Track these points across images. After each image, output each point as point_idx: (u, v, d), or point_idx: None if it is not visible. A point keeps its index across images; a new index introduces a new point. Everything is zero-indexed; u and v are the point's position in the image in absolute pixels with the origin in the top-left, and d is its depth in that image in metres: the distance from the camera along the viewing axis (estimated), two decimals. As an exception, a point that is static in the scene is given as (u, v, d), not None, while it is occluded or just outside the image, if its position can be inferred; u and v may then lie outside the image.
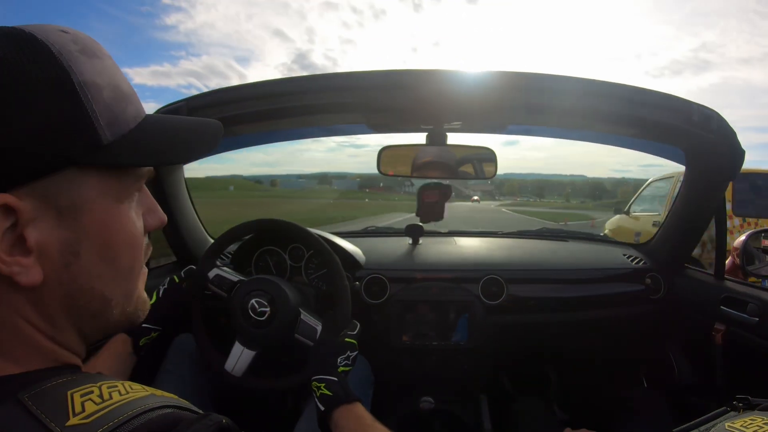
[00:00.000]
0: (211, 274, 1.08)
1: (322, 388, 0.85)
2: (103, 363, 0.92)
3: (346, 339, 0.96)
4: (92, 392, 0.34)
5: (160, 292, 1.06)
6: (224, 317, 1.10)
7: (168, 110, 1.07)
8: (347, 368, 0.92)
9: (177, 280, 1.08)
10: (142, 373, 1.04)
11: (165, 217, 0.48)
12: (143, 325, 1.00)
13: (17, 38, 0.35)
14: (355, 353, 0.95)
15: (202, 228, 1.47)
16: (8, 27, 0.36)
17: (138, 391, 0.36)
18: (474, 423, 1.48)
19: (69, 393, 0.33)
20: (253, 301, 0.99)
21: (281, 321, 0.99)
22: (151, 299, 1.03)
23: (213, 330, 1.09)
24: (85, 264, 0.38)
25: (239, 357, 1.01)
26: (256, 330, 0.99)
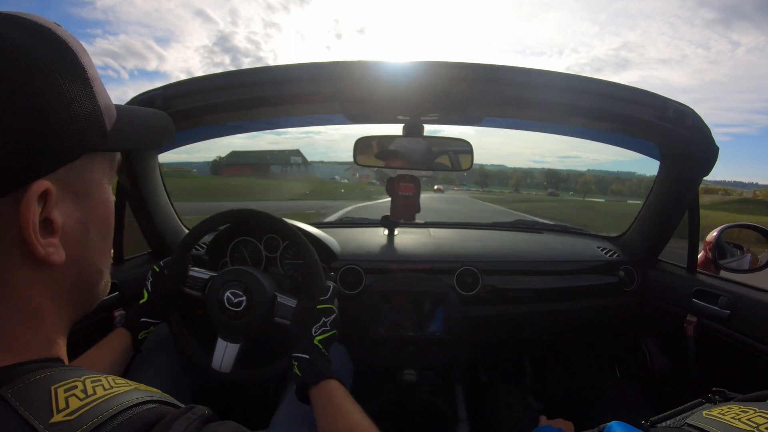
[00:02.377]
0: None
1: (295, 367, 0.87)
2: (103, 357, 0.92)
3: (318, 306, 0.95)
4: (76, 387, 0.34)
5: (149, 287, 1.05)
6: (204, 317, 1.09)
7: (144, 98, 1.05)
8: (326, 335, 0.92)
9: (158, 270, 1.07)
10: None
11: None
12: (142, 320, 1.00)
13: (41, 34, 0.37)
14: (332, 316, 0.95)
15: (177, 218, 1.45)
16: (24, 18, 0.38)
17: (122, 385, 0.37)
18: (450, 412, 1.50)
19: (53, 388, 0.33)
20: (227, 293, 0.98)
21: (259, 308, 0.98)
22: (142, 299, 1.04)
23: (196, 330, 1.08)
24: (92, 240, 0.43)
25: (224, 352, 1.00)
26: (236, 321, 0.98)
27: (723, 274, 1.40)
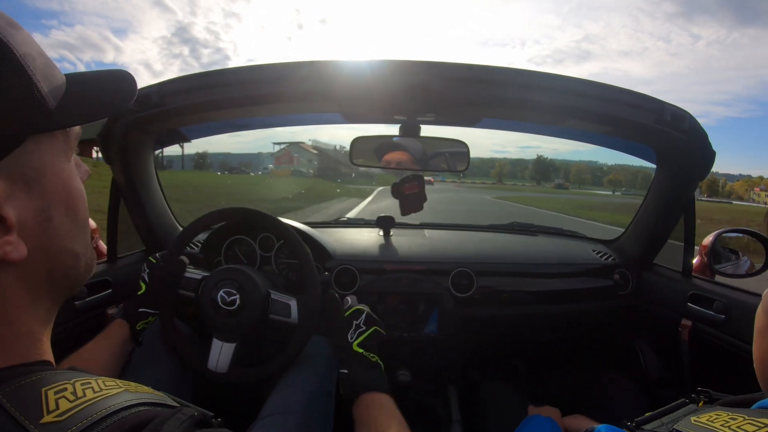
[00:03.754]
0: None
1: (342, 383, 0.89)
2: (102, 349, 0.92)
3: (346, 314, 0.96)
4: (66, 389, 0.34)
5: (146, 279, 1.06)
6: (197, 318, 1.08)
7: (140, 94, 1.04)
8: (364, 335, 0.94)
9: (154, 261, 1.08)
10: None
11: (88, 170, 0.49)
12: (140, 310, 1.01)
13: None
14: (363, 315, 0.96)
15: (171, 215, 1.44)
16: None
17: (111, 387, 0.36)
18: (444, 413, 1.49)
19: (43, 390, 0.33)
20: (221, 292, 0.97)
21: (253, 305, 0.98)
22: (140, 290, 1.05)
23: (192, 329, 1.08)
24: (57, 225, 0.40)
25: (220, 352, 0.99)
26: (230, 320, 0.97)
27: (718, 278, 1.40)
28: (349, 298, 1.01)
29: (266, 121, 1.35)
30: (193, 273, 1.06)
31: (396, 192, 1.44)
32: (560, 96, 1.04)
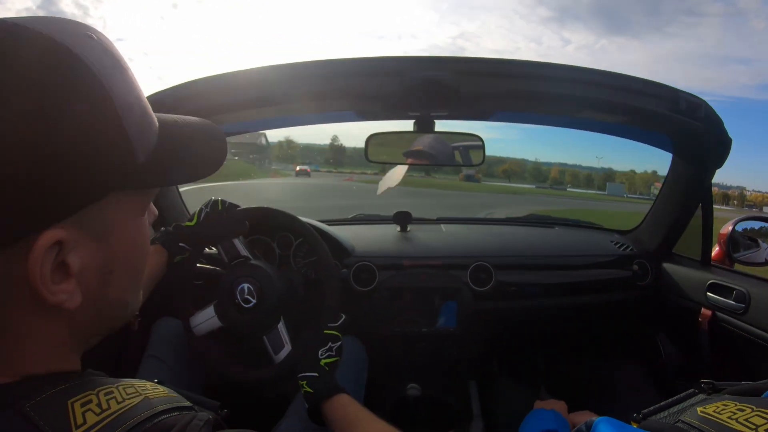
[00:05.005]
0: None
1: (305, 386, 0.87)
2: None
3: (326, 332, 0.96)
4: (91, 401, 0.34)
5: (201, 215, 1.07)
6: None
7: (154, 99, 1.06)
8: (331, 359, 0.92)
9: (220, 207, 1.09)
10: (131, 356, 1.06)
11: (156, 211, 0.48)
12: (180, 244, 1.03)
13: (54, 54, 0.32)
14: (338, 343, 0.96)
15: (184, 208, 1.46)
16: (38, 33, 0.32)
17: (132, 396, 0.37)
18: (463, 408, 1.49)
19: (69, 403, 0.34)
20: (244, 285, 1.00)
21: (260, 319, 1.01)
22: (192, 221, 1.07)
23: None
24: (116, 279, 0.39)
25: (206, 320, 1.03)
26: (237, 314, 1.01)
27: (738, 267, 1.39)
28: (342, 315, 1.02)
29: (280, 120, 1.36)
30: (242, 246, 1.09)
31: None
32: (575, 87, 1.04)
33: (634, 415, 0.54)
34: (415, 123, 1.23)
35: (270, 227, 1.31)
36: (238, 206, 1.12)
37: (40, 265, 0.32)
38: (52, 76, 0.31)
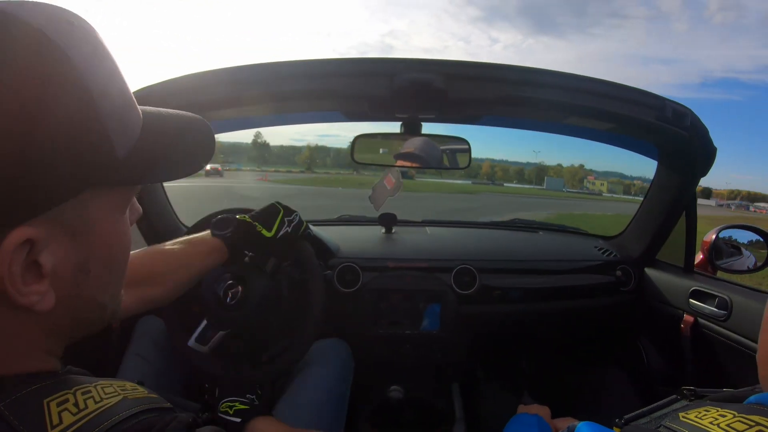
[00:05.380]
0: None
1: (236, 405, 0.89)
2: (192, 266, 0.89)
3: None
4: (68, 401, 0.33)
5: (281, 231, 1.01)
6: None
7: (140, 95, 1.04)
8: (242, 407, 0.92)
9: (302, 230, 1.05)
10: (111, 355, 1.05)
11: (141, 209, 0.46)
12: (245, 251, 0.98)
13: (32, 40, 0.30)
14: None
15: (174, 215, 1.45)
16: (13, 16, 0.30)
17: (111, 395, 0.36)
18: (446, 410, 1.50)
19: (45, 402, 0.33)
20: (228, 282, 0.97)
21: (248, 315, 0.98)
22: (269, 230, 0.99)
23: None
24: (92, 278, 0.38)
25: (205, 334, 0.99)
26: (225, 312, 0.98)
27: (720, 275, 1.40)
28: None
29: (265, 119, 1.35)
30: None
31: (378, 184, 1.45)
32: (561, 92, 1.04)
33: (616, 420, 0.54)
34: (402, 125, 1.23)
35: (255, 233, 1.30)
36: (311, 231, 1.10)
37: (8, 264, 0.31)
38: (27, 64, 0.30)
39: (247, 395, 0.96)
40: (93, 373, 0.43)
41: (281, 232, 1.00)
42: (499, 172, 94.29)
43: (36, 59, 0.30)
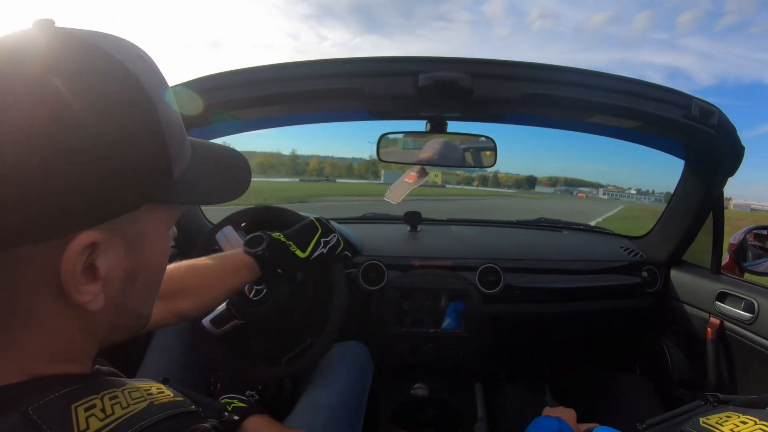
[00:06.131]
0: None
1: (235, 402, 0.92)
2: (225, 285, 0.89)
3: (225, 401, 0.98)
4: (95, 406, 0.35)
5: (315, 252, 1.00)
6: None
7: (174, 92, 1.07)
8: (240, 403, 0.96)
9: (337, 252, 1.06)
10: (135, 348, 1.07)
11: (176, 232, 0.50)
12: (277, 269, 0.98)
13: (113, 71, 0.34)
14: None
15: (200, 212, 1.47)
16: (97, 48, 0.34)
17: (138, 401, 0.37)
18: (468, 410, 1.49)
19: (72, 407, 0.34)
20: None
21: (271, 312, 1.01)
22: (303, 251, 0.99)
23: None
24: (137, 289, 0.41)
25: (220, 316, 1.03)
26: (248, 307, 1.01)
27: (747, 277, 1.38)
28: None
29: (293, 118, 1.37)
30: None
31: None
32: (588, 91, 1.04)
33: (638, 425, 0.54)
34: (427, 123, 1.24)
35: (277, 225, 1.32)
36: (347, 253, 1.11)
37: (73, 263, 0.34)
38: (111, 91, 0.34)
39: (247, 392, 0.97)
40: (117, 365, 0.46)
41: (315, 254, 1.00)
42: (327, 168, 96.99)
43: (118, 86, 0.34)
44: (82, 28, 0.36)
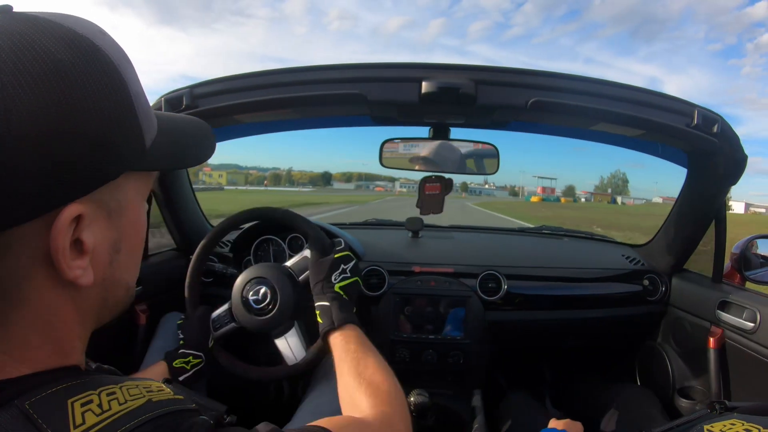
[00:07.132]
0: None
1: (317, 315, 0.88)
2: None
3: (335, 255, 0.95)
4: (92, 401, 0.34)
5: (181, 335, 1.02)
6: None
7: (171, 97, 1.07)
8: (346, 281, 0.92)
9: (181, 322, 1.06)
10: (136, 349, 1.07)
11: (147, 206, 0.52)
12: (180, 351, 0.98)
13: (81, 47, 0.35)
14: (352, 263, 0.95)
15: (201, 214, 1.47)
16: (63, 27, 0.35)
17: (136, 397, 0.37)
18: (468, 417, 1.48)
19: (69, 402, 0.34)
20: (259, 287, 1.00)
21: (274, 321, 1.00)
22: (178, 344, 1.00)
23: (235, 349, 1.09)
24: (122, 259, 0.42)
25: (289, 345, 1.02)
26: (250, 315, 1.00)
27: (749, 286, 1.37)
28: (342, 240, 1.01)
29: (296, 123, 1.37)
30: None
31: (420, 188, 1.43)
32: (591, 99, 1.04)
33: None
34: (430, 130, 1.24)
35: (281, 228, 1.31)
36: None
37: (62, 237, 0.34)
38: (78, 64, 0.34)
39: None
40: (118, 366, 0.47)
41: (182, 336, 1.02)
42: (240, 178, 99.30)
43: (84, 59, 0.35)
44: (39, 11, 0.37)
